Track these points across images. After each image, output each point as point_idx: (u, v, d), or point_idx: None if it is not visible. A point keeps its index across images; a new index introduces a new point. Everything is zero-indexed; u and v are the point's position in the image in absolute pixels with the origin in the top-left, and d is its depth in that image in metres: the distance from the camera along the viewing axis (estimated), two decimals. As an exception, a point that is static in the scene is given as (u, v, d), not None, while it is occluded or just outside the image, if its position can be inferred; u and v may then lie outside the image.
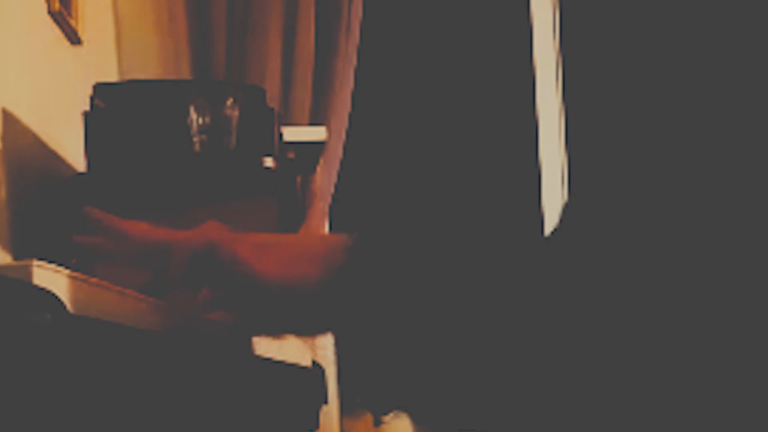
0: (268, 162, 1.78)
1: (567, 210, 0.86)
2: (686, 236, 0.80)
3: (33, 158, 1.81)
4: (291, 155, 2.27)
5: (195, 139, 1.72)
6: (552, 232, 0.86)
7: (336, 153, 3.26)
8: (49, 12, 1.96)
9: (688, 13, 0.84)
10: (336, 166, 3.27)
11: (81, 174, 1.82)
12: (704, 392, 0.80)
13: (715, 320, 0.79)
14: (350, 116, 3.32)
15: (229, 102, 1.75)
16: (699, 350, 0.79)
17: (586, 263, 0.82)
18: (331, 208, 3.29)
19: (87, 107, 1.75)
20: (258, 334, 1.19)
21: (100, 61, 2.43)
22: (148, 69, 2.83)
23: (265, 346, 1.28)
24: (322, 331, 0.99)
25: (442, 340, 0.86)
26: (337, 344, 0.92)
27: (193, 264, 0.99)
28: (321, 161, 3.08)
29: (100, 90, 1.75)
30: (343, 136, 3.29)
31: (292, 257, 0.94)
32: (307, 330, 1.03)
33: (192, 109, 1.72)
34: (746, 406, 0.79)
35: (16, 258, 1.64)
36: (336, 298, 0.91)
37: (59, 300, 0.74)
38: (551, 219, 3.31)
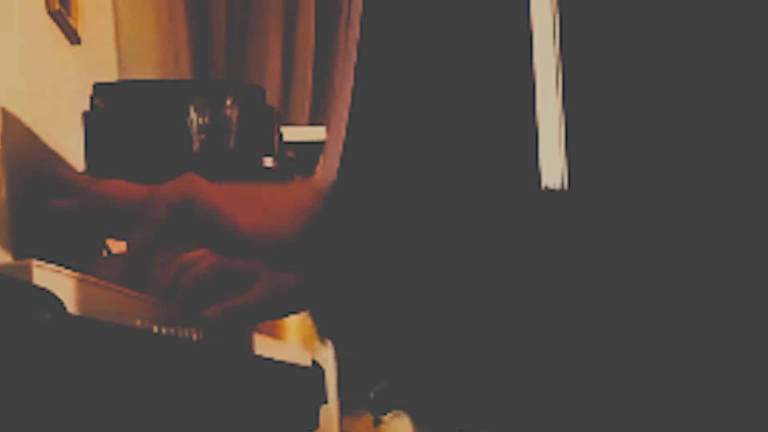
0: (268, 162, 1.78)
1: (566, 207, 0.86)
2: (685, 240, 0.80)
3: (32, 158, 1.81)
4: (291, 155, 2.27)
5: (194, 139, 1.72)
6: (551, 230, 0.86)
7: (335, 152, 3.26)
8: (49, 11, 1.96)
9: (685, 19, 0.84)
10: (335, 166, 3.27)
11: (80, 173, 1.82)
12: (704, 388, 0.79)
13: (714, 311, 0.79)
14: (350, 116, 3.31)
15: (229, 102, 1.75)
16: (701, 350, 0.79)
17: (586, 262, 0.82)
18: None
19: (86, 107, 1.74)
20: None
21: (99, 60, 2.42)
22: (147, 69, 2.83)
23: (265, 346, 1.28)
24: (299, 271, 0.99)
25: (442, 331, 0.86)
26: (309, 288, 0.92)
27: (170, 216, 0.98)
28: (321, 161, 3.08)
29: (100, 90, 1.75)
30: (343, 134, 3.29)
31: (271, 207, 0.94)
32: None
33: (191, 109, 1.72)
34: (745, 402, 0.79)
35: (15, 258, 1.64)
36: (314, 245, 0.90)
37: (59, 300, 0.74)
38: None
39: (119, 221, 1.04)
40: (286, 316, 1.22)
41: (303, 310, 1.18)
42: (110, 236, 1.17)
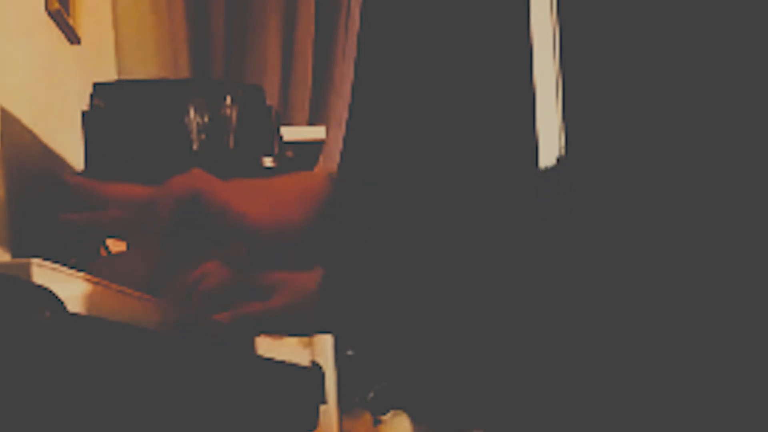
0: (267, 162, 1.78)
1: (565, 207, 0.86)
2: (683, 244, 0.80)
3: (32, 157, 1.81)
4: (290, 155, 2.27)
5: (194, 139, 1.72)
6: (551, 231, 0.86)
7: (335, 152, 3.26)
8: (48, 11, 1.96)
9: (685, 27, 0.84)
10: (335, 165, 3.27)
11: (80, 173, 1.82)
12: (704, 388, 0.79)
13: (713, 311, 0.79)
14: (350, 112, 3.31)
15: (228, 101, 1.75)
16: (701, 349, 0.79)
17: (585, 263, 0.82)
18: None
19: (86, 106, 1.74)
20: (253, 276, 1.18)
21: (98, 60, 2.42)
22: (146, 68, 2.83)
23: (265, 346, 1.28)
24: (310, 267, 0.99)
25: (441, 330, 0.86)
26: (325, 284, 0.91)
27: (178, 213, 0.97)
28: (320, 160, 3.08)
29: (100, 89, 1.75)
30: (344, 131, 3.29)
31: (279, 199, 0.94)
32: (296, 267, 1.02)
33: (191, 109, 1.72)
34: (745, 402, 0.79)
35: (15, 256, 1.64)
36: (324, 233, 0.90)
37: (58, 299, 0.74)
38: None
39: (126, 223, 1.03)
40: (298, 335, 1.22)
41: (316, 331, 1.17)
42: (113, 237, 1.17)
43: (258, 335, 1.21)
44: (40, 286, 0.73)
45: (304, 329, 1.18)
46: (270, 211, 0.93)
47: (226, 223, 0.94)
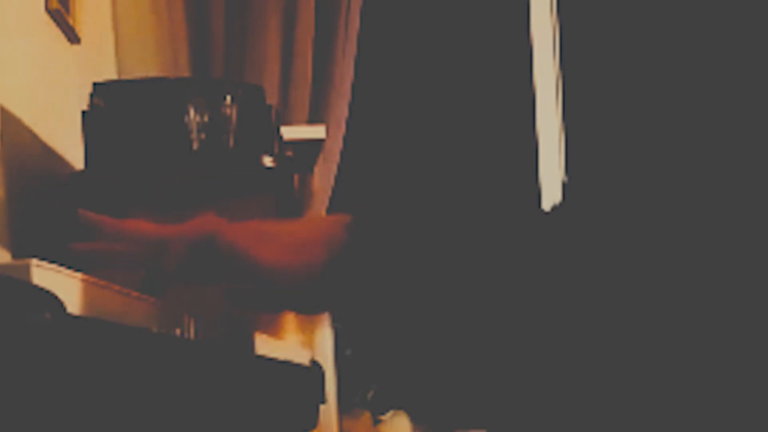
0: (267, 161, 1.78)
1: (565, 213, 0.86)
2: (682, 253, 0.80)
3: (31, 156, 1.81)
4: (290, 154, 2.27)
5: (193, 138, 1.72)
6: (550, 233, 0.86)
7: (335, 151, 3.26)
8: (47, 10, 1.96)
9: (684, 31, 0.84)
10: (335, 164, 3.27)
11: (79, 172, 1.82)
12: (704, 387, 0.80)
13: (712, 313, 0.79)
14: (349, 116, 3.31)
15: (228, 100, 1.75)
16: (700, 349, 0.79)
17: (584, 264, 0.82)
18: (329, 205, 3.28)
19: (86, 106, 1.74)
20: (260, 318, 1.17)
21: (98, 59, 2.42)
22: (146, 67, 2.83)
23: (264, 346, 1.28)
24: (324, 311, 0.99)
25: (441, 329, 0.86)
26: (338, 325, 0.91)
27: (191, 257, 0.98)
28: (320, 159, 3.08)
29: (99, 88, 1.75)
30: (343, 130, 3.28)
31: (293, 243, 0.94)
32: (310, 311, 1.02)
33: (190, 108, 1.72)
34: (745, 402, 0.79)
35: (14, 257, 1.64)
36: (338, 279, 0.90)
37: (58, 299, 0.74)
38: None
39: (139, 262, 1.03)
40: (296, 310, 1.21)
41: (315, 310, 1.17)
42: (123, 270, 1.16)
43: (249, 313, 1.20)
44: (39, 287, 0.73)
45: (305, 310, 1.18)
46: (283, 253, 0.93)
47: (237, 264, 0.94)
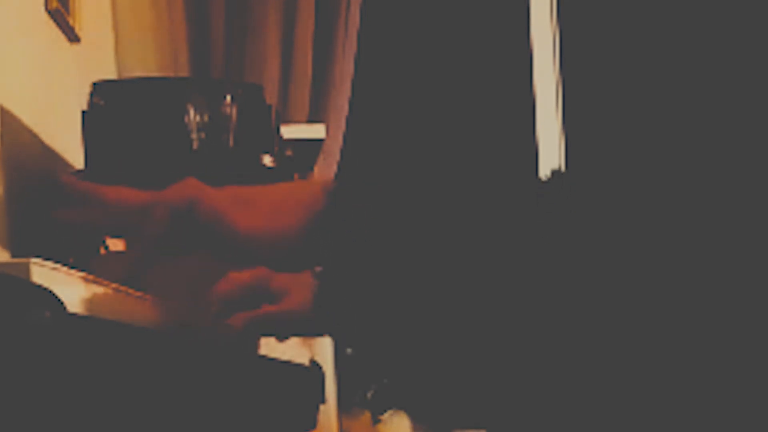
0: (267, 160, 1.78)
1: (564, 208, 0.86)
2: (682, 250, 0.80)
3: (31, 156, 1.81)
4: (289, 153, 2.27)
5: (193, 137, 1.72)
6: (550, 232, 0.86)
7: (335, 150, 3.26)
8: (47, 10, 1.96)
9: (684, 33, 0.84)
10: (335, 163, 3.27)
11: (79, 171, 1.82)
12: (703, 387, 0.79)
13: (712, 311, 0.79)
14: (348, 116, 3.31)
15: (228, 100, 1.75)
16: (700, 349, 0.79)
17: (583, 263, 0.82)
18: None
19: (85, 105, 1.74)
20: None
21: (98, 58, 2.42)
22: (146, 67, 2.83)
23: (264, 346, 1.28)
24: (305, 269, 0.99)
25: (440, 329, 0.86)
26: (320, 289, 0.91)
27: (172, 221, 0.97)
28: (320, 159, 3.08)
29: (99, 88, 1.75)
30: (344, 129, 3.28)
31: (274, 208, 0.94)
32: (312, 331, 1.02)
33: (190, 107, 1.72)
34: (745, 402, 0.79)
35: (14, 255, 1.64)
36: (320, 244, 0.90)
37: (58, 298, 0.73)
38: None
39: (121, 226, 1.03)
40: (302, 334, 1.21)
41: (315, 333, 1.17)
42: (107, 235, 1.17)
43: (269, 336, 1.21)
44: (39, 286, 0.73)
45: (308, 329, 1.18)
46: (264, 219, 0.93)
47: (219, 231, 0.94)
